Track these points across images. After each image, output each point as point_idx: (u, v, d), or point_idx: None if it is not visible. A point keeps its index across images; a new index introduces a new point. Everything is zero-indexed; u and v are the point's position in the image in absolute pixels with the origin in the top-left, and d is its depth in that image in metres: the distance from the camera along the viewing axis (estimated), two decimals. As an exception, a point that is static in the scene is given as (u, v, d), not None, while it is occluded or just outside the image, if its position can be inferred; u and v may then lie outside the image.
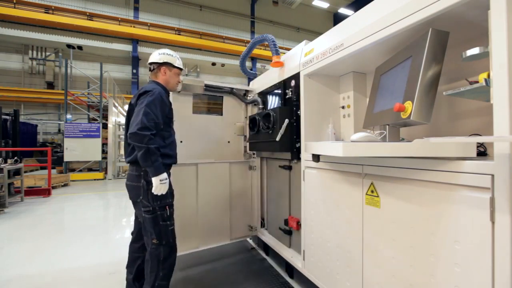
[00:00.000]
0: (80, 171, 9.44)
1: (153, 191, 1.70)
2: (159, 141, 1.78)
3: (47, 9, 12.20)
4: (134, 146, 1.68)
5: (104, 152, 9.45)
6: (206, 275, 2.37)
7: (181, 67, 2.09)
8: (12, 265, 2.69)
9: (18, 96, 12.90)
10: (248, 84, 3.44)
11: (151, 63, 2.01)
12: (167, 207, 1.82)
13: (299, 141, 2.16)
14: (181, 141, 2.62)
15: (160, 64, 1.99)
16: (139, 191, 1.78)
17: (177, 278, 2.33)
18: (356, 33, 1.52)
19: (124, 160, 8.53)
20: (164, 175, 1.72)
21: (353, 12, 16.56)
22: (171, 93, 2.28)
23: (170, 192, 1.85)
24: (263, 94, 2.90)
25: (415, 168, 1.19)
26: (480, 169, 0.95)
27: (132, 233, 2.07)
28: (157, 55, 2.01)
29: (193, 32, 15.34)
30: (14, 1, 11.52)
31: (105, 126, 9.53)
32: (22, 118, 12.73)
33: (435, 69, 1.16)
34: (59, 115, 14.77)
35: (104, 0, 14.63)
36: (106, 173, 9.36)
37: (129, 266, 2.01)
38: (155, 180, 1.68)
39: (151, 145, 1.64)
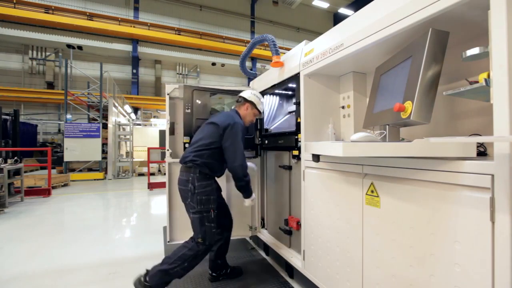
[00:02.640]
0: (80, 171, 9.44)
1: (246, 205, 2.22)
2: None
3: (47, 9, 12.21)
4: (235, 176, 2.10)
5: (104, 152, 9.45)
6: (206, 274, 2.37)
7: (261, 111, 2.41)
8: (12, 265, 2.69)
9: (18, 96, 12.89)
10: (248, 84, 3.44)
11: (240, 97, 2.35)
12: (211, 210, 2.03)
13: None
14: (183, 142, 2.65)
15: (246, 100, 2.31)
16: (187, 194, 2.02)
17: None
18: (356, 33, 1.52)
19: (124, 160, 8.43)
20: (253, 195, 2.22)
21: (353, 12, 16.55)
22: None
23: (213, 198, 2.05)
24: (263, 94, 2.90)
25: (415, 168, 1.19)
26: (480, 169, 0.95)
27: None
28: (249, 93, 2.34)
29: (193, 32, 15.34)
30: (14, 1, 11.53)
31: (105, 126, 9.53)
32: (22, 118, 12.73)
33: (435, 69, 1.16)
34: (59, 115, 14.76)
35: (104, 0, 14.64)
36: (106, 173, 9.36)
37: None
38: (248, 201, 2.20)
39: (246, 175, 2.10)
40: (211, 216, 2.01)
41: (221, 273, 2.35)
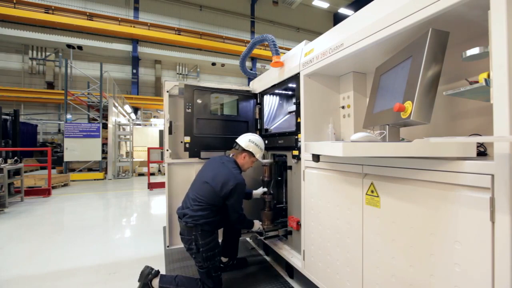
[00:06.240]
0: (80, 171, 9.43)
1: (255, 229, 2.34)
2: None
3: (47, 9, 12.20)
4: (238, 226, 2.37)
5: (104, 152, 9.44)
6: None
7: (260, 159, 2.32)
8: (12, 265, 2.69)
9: (18, 96, 12.87)
10: (248, 84, 3.44)
11: (237, 144, 2.25)
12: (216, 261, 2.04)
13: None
14: (181, 142, 2.64)
15: (244, 149, 2.21)
16: (191, 251, 2.00)
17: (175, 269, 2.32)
18: (356, 33, 1.52)
19: (124, 160, 8.40)
20: (255, 222, 2.32)
21: (353, 12, 16.54)
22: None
23: (218, 251, 2.04)
24: (263, 94, 2.90)
25: (415, 168, 1.19)
26: (480, 169, 0.95)
27: None
28: (246, 141, 2.23)
29: (193, 32, 15.32)
30: (14, 1, 11.51)
31: (105, 126, 9.53)
32: (22, 118, 12.72)
33: (435, 69, 1.16)
34: (59, 115, 14.75)
35: (104, 0, 14.62)
36: (106, 173, 9.36)
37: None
38: (257, 224, 2.34)
39: (242, 223, 2.19)
40: (217, 266, 2.01)
41: (228, 264, 2.48)
